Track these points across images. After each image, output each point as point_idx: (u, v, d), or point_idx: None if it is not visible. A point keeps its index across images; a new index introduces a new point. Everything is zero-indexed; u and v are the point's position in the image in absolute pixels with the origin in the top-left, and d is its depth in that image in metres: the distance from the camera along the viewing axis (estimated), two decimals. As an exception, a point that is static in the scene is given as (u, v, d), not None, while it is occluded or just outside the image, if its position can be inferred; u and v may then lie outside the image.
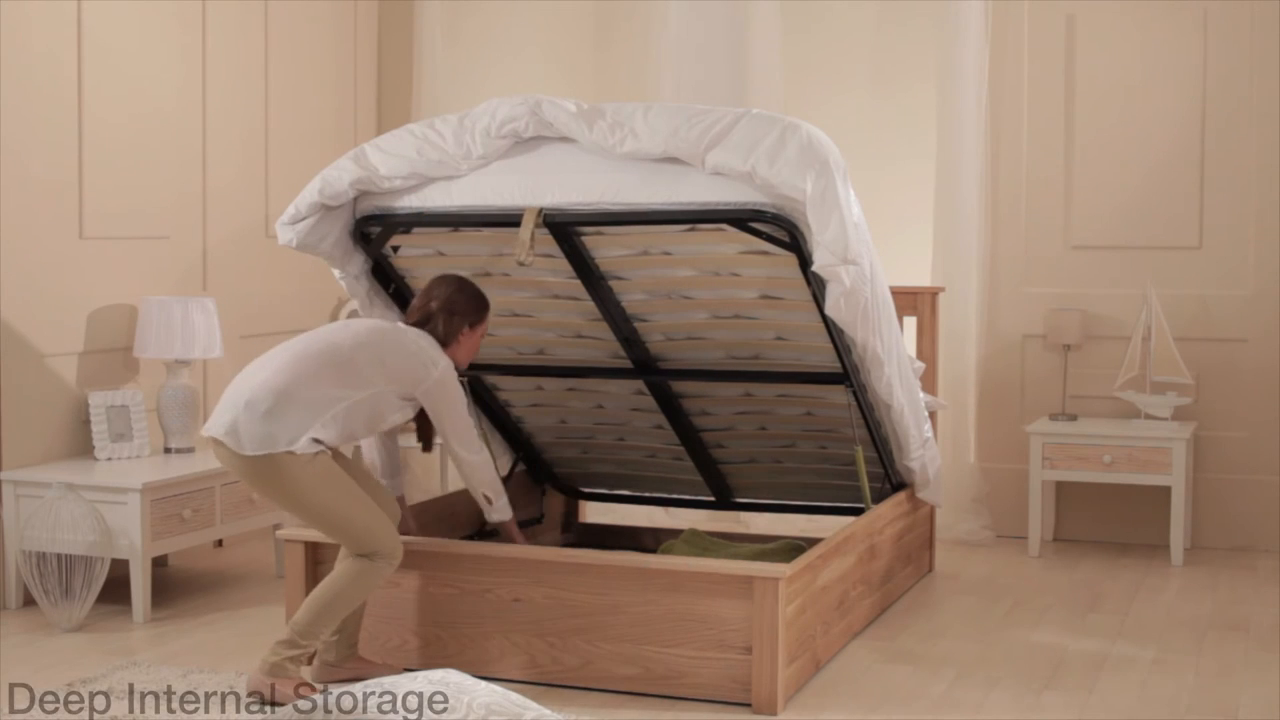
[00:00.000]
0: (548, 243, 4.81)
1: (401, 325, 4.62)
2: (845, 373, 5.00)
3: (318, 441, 4.31)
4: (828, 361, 5.08)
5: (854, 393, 5.07)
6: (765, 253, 4.69)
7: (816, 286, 4.63)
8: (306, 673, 4.56)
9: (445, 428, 4.57)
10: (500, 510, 4.82)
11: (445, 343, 4.60)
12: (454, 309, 4.61)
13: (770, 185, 4.43)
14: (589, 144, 4.66)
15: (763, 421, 5.52)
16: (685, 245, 4.78)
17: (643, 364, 5.32)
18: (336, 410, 4.34)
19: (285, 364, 4.36)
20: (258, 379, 4.35)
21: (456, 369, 4.61)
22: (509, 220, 4.70)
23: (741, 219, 4.51)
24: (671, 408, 5.50)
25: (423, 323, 4.60)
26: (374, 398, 4.41)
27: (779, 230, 4.53)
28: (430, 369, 4.48)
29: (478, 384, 5.61)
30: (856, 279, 4.57)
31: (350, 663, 4.59)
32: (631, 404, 5.59)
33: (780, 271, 4.75)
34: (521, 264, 4.62)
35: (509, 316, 5.28)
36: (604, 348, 5.33)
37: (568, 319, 5.23)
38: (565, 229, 4.74)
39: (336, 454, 4.52)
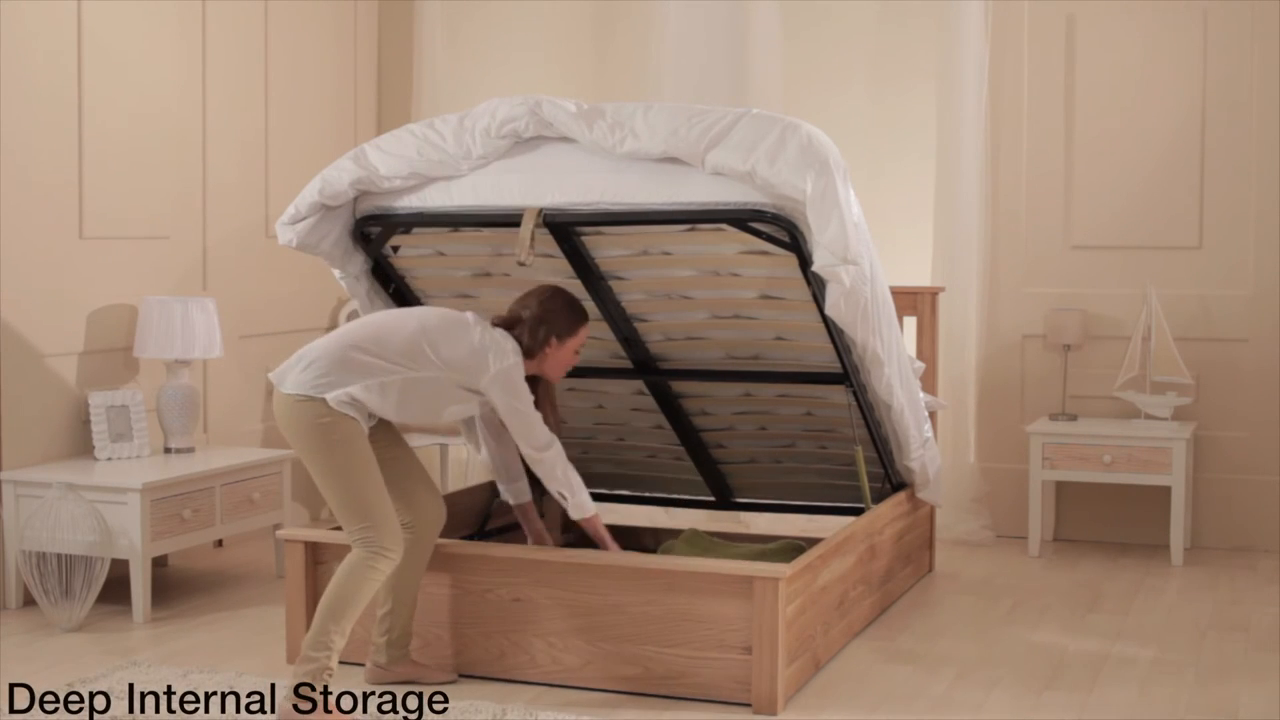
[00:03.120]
0: (548, 243, 4.81)
1: (484, 322, 4.52)
2: (845, 373, 5.00)
3: (355, 401, 4.26)
4: (828, 361, 5.08)
5: (854, 393, 5.07)
6: (765, 253, 4.69)
7: (816, 286, 4.63)
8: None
9: (509, 425, 4.49)
10: (576, 507, 4.63)
11: (530, 352, 4.51)
12: (544, 318, 4.52)
13: (770, 185, 4.43)
14: (589, 144, 4.66)
15: (763, 421, 5.52)
16: (685, 245, 4.78)
17: (643, 364, 5.32)
18: (386, 380, 4.29)
19: (346, 330, 4.40)
20: (320, 341, 4.39)
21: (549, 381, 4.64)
22: (509, 220, 4.70)
23: (741, 219, 4.51)
24: (671, 408, 5.50)
25: (509, 326, 4.53)
26: (432, 381, 4.35)
27: (779, 230, 4.53)
28: (488, 364, 4.38)
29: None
30: (856, 279, 4.57)
31: (401, 665, 4.57)
32: (631, 404, 5.59)
33: (780, 271, 4.75)
34: (522, 264, 4.62)
35: (509, 316, 5.28)
36: (604, 348, 5.33)
37: (568, 319, 5.23)
38: (565, 229, 4.74)
39: (386, 433, 4.48)
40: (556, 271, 4.97)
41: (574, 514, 4.63)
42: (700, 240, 4.74)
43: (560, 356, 4.56)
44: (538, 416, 4.50)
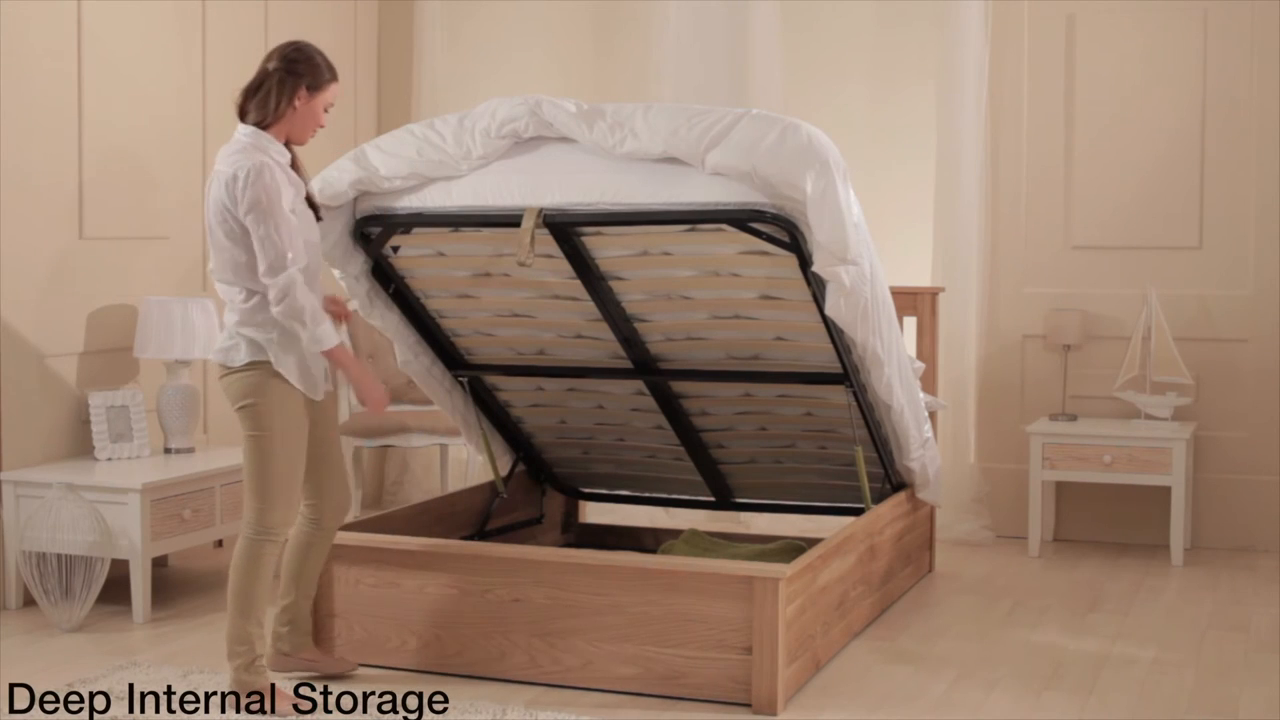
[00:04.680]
0: (548, 243, 4.81)
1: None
2: (845, 373, 5.00)
3: (257, 345, 4.22)
4: (828, 361, 5.08)
5: (854, 393, 5.07)
6: (765, 253, 4.69)
7: (816, 287, 4.63)
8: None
9: (255, 245, 4.15)
10: (312, 339, 4.21)
11: (276, 117, 4.25)
12: (291, 69, 4.25)
13: (770, 185, 4.43)
14: (589, 144, 4.65)
15: (763, 422, 5.52)
16: (685, 245, 4.78)
17: (643, 364, 5.32)
18: (251, 303, 4.23)
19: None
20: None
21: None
22: (509, 220, 4.70)
23: (741, 219, 4.51)
24: (671, 408, 5.50)
25: (252, 93, 4.26)
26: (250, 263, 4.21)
27: (779, 230, 4.53)
28: (235, 175, 4.14)
29: (478, 384, 5.61)
30: (856, 279, 4.57)
31: (305, 652, 4.60)
32: (631, 404, 5.59)
33: (780, 271, 4.75)
34: (522, 264, 4.61)
35: (509, 316, 5.28)
36: (604, 348, 5.33)
37: (568, 319, 5.23)
38: (565, 229, 4.74)
39: (321, 416, 4.43)
40: (557, 271, 4.97)
41: (311, 346, 4.22)
42: (700, 240, 4.74)
43: (310, 111, 4.28)
44: (287, 235, 4.15)
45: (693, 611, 4.40)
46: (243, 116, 4.31)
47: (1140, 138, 6.56)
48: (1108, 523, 6.66)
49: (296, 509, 4.39)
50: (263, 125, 4.27)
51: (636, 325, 5.17)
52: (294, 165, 4.37)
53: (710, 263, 4.83)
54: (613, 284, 5.00)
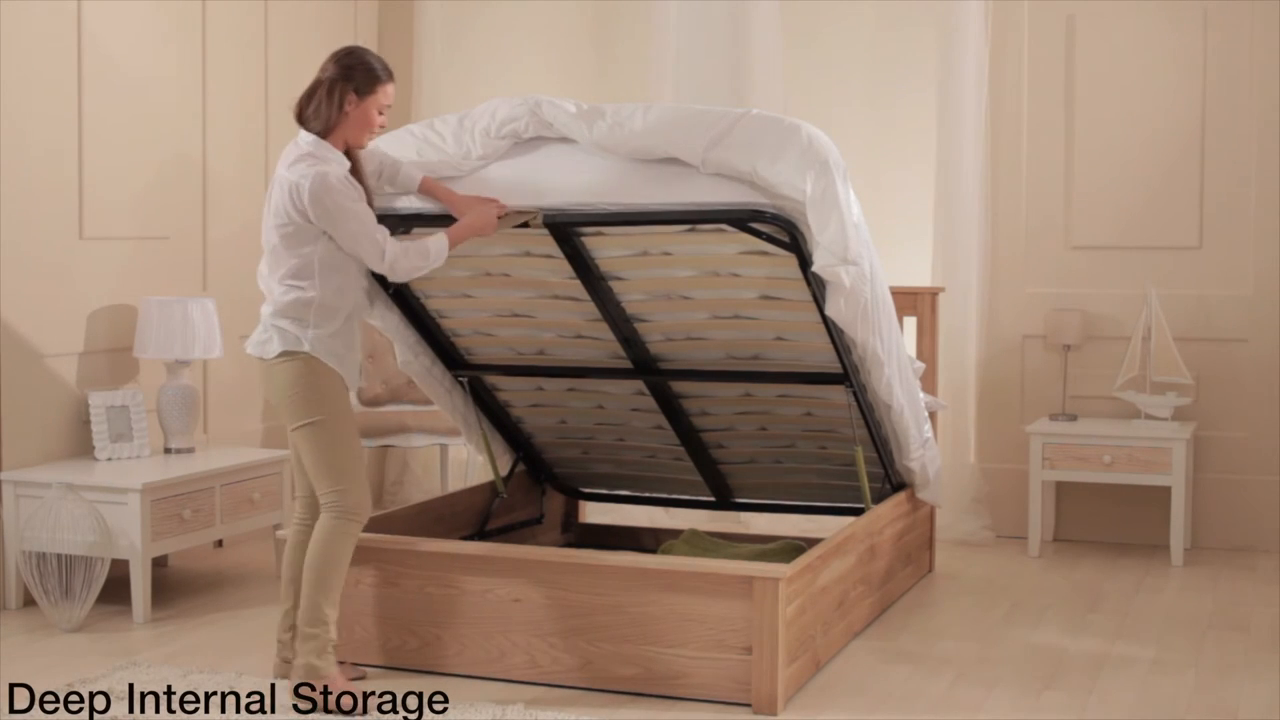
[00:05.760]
0: (548, 243, 4.81)
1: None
2: (845, 373, 5.00)
3: (290, 335, 4.27)
4: (828, 361, 5.08)
5: (854, 393, 5.07)
6: (765, 253, 4.69)
7: (816, 287, 4.63)
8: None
9: (347, 247, 4.28)
10: (438, 255, 4.39)
11: (331, 124, 4.31)
12: (342, 74, 4.30)
13: (770, 185, 4.43)
14: (589, 144, 4.66)
15: (763, 422, 5.52)
16: (685, 245, 4.78)
17: (642, 364, 5.32)
18: (298, 298, 4.27)
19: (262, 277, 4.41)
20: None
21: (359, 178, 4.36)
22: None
23: (741, 219, 4.51)
24: (671, 408, 5.50)
25: (307, 101, 4.34)
26: (312, 252, 4.27)
27: (779, 230, 4.53)
28: (300, 185, 4.21)
29: (478, 384, 5.61)
30: (856, 279, 4.57)
31: None
32: (631, 404, 5.59)
33: (780, 271, 4.75)
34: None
35: (509, 316, 5.28)
36: (604, 348, 5.33)
37: (568, 319, 5.23)
38: (565, 229, 4.74)
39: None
40: (557, 271, 4.97)
41: (440, 260, 4.41)
42: (700, 240, 4.74)
43: (362, 115, 4.33)
44: (369, 223, 4.27)
45: (693, 611, 4.40)
46: (303, 123, 4.34)
47: (1140, 138, 6.56)
48: (1108, 523, 6.66)
49: (368, 487, 4.38)
50: (324, 134, 4.32)
51: (636, 325, 5.17)
52: (354, 173, 4.38)
53: (710, 263, 4.83)
54: (613, 284, 5.00)
